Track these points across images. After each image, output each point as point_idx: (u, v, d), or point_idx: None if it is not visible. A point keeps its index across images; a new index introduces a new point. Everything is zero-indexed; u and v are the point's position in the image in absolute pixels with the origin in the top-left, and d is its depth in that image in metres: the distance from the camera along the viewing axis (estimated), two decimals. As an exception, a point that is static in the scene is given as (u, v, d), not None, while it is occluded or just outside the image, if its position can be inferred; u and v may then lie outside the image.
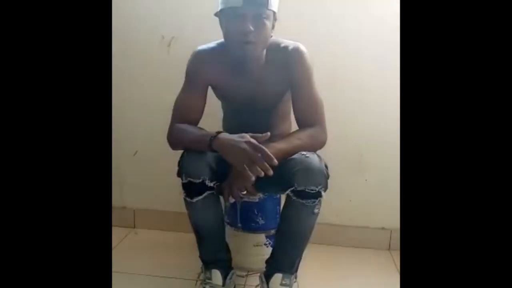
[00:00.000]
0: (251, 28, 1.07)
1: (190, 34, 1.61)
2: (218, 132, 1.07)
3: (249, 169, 1.00)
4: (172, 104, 1.23)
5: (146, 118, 1.71)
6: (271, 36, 1.15)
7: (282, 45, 1.19)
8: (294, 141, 1.11)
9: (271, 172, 0.99)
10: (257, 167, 0.99)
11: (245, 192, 1.09)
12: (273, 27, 1.15)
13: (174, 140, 1.18)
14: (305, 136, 1.14)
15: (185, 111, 1.20)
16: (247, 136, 1.02)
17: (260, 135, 1.03)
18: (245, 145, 1.00)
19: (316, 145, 1.16)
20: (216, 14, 1.15)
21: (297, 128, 1.21)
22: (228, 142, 1.04)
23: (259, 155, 0.99)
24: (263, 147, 1.00)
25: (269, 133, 1.05)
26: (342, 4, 1.53)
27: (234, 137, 1.04)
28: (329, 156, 1.15)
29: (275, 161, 0.99)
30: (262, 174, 0.99)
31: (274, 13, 1.13)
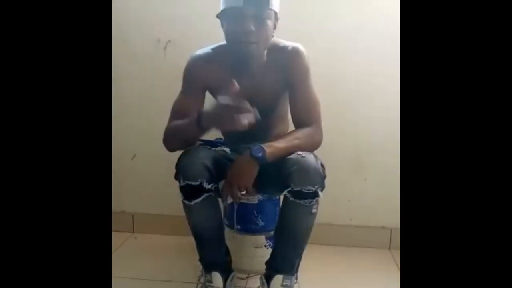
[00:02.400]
0: (252, 28, 1.07)
1: (186, 37, 1.61)
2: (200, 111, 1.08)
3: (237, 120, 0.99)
4: (169, 107, 1.23)
5: (143, 122, 1.71)
6: (273, 36, 1.16)
7: (281, 45, 1.20)
8: (293, 141, 1.12)
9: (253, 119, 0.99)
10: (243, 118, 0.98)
11: (244, 192, 1.09)
12: (275, 26, 1.15)
13: (168, 139, 1.18)
14: (303, 135, 1.14)
15: (182, 115, 1.20)
16: (226, 98, 1.01)
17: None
18: (226, 103, 0.99)
19: (313, 145, 1.16)
20: (217, 16, 1.16)
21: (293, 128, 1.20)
22: (212, 110, 1.04)
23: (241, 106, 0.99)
24: (242, 99, 0.99)
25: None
26: (341, 0, 1.54)
27: (215, 103, 1.04)
28: (326, 155, 1.15)
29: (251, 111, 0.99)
30: (252, 121, 0.99)
31: (276, 12, 1.13)
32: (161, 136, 1.20)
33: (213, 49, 1.22)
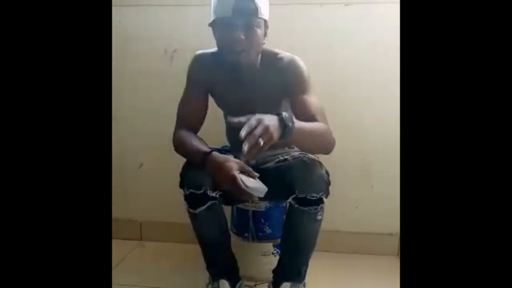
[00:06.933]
0: (242, 37, 1.08)
1: (192, 47, 1.61)
2: (212, 150, 1.08)
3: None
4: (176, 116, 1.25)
5: (150, 131, 1.72)
6: (264, 43, 1.16)
7: (279, 55, 1.19)
8: (316, 126, 1.08)
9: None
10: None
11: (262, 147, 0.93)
12: (265, 34, 1.16)
13: (177, 148, 1.19)
14: (323, 126, 1.10)
15: (186, 115, 1.23)
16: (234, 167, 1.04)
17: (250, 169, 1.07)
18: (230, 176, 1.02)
19: (330, 141, 1.10)
20: (210, 25, 1.17)
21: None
22: (217, 164, 1.05)
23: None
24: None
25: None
26: (341, 7, 1.55)
27: (223, 160, 1.06)
28: (333, 162, 1.15)
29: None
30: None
31: (265, 21, 1.14)
32: (168, 145, 1.21)
33: (216, 52, 1.22)
